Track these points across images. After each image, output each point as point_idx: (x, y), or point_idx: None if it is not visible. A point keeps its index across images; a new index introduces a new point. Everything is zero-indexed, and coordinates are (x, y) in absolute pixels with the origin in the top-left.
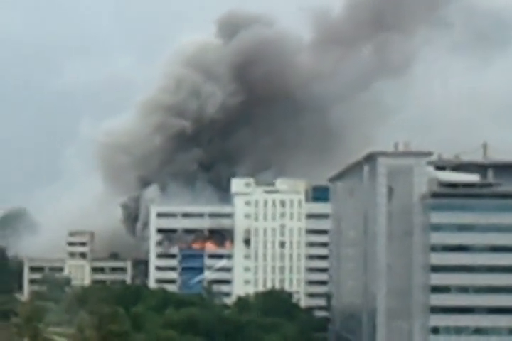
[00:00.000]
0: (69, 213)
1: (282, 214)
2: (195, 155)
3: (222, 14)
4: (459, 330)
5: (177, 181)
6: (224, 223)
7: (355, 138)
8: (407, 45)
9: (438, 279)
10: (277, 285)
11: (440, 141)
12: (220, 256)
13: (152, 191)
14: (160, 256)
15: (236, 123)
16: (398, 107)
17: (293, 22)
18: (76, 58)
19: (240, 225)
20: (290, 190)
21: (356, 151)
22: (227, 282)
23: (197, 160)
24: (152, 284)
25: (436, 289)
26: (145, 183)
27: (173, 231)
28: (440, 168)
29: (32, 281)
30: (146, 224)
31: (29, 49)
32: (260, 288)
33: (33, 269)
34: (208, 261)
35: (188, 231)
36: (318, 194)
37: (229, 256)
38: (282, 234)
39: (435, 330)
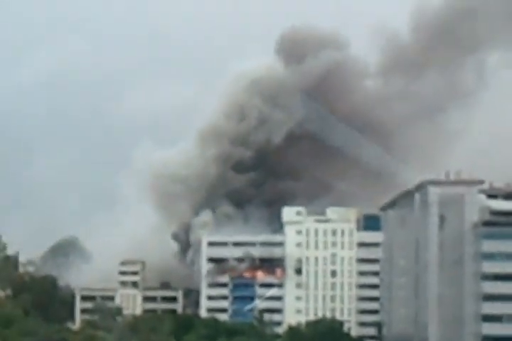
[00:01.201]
0: (121, 242)
1: (333, 243)
2: (249, 178)
3: (284, 35)
4: None
5: (228, 203)
6: (275, 252)
7: (417, 165)
8: (479, 67)
9: (490, 308)
10: (328, 315)
11: (494, 168)
12: (271, 285)
13: (203, 216)
14: (211, 285)
15: (298, 152)
16: (463, 133)
17: (358, 42)
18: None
19: (290, 254)
20: (341, 219)
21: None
22: (278, 311)
23: (250, 182)
24: (203, 313)
25: (488, 318)
26: (197, 212)
27: (224, 260)
28: (492, 196)
29: (83, 310)
30: (197, 253)
31: (95, 76)
32: (311, 317)
33: (84, 298)
34: (259, 290)
35: (239, 260)
36: (370, 223)
37: (280, 285)
38: (333, 262)
39: None
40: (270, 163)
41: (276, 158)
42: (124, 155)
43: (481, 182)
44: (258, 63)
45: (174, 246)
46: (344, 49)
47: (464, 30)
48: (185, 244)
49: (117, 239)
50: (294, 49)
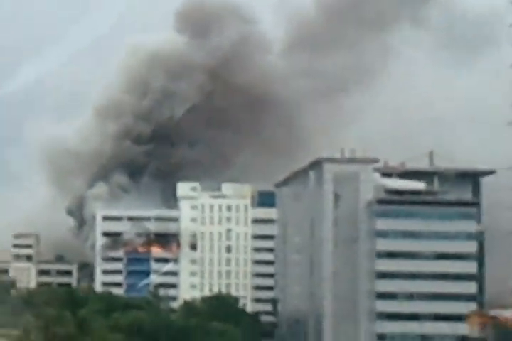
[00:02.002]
0: (15, 217)
1: (228, 219)
2: (146, 150)
3: (182, 7)
4: (404, 336)
5: (123, 175)
6: (170, 227)
7: (316, 143)
8: (383, 46)
9: (383, 286)
10: (223, 290)
11: (390, 148)
12: (166, 260)
13: (97, 189)
14: (106, 259)
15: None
16: (363, 113)
17: (262, 17)
18: (26, 60)
19: (186, 229)
20: (236, 195)
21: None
22: (173, 286)
23: (146, 154)
24: (98, 287)
25: (382, 295)
26: (91, 185)
27: (119, 234)
28: (386, 174)
29: None
30: (91, 227)
31: None
32: (206, 293)
33: None
34: (154, 265)
35: (134, 235)
36: (265, 199)
37: (175, 260)
38: (228, 238)
39: (381, 336)
40: (169, 136)
41: (176, 131)
42: (18, 131)
43: (376, 160)
44: (157, 37)
45: (69, 220)
46: (248, 24)
47: (370, 7)
48: (80, 218)
49: (11, 214)
50: (195, 21)
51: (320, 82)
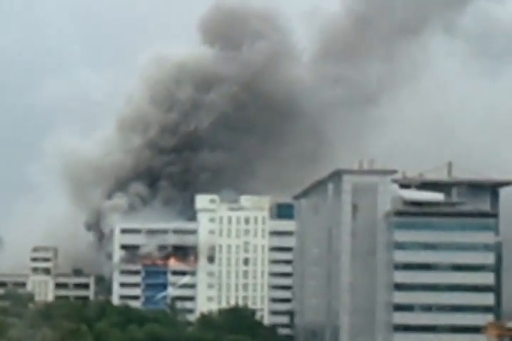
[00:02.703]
0: (34, 230)
1: (246, 231)
2: (165, 161)
3: (207, 15)
4: None
5: (142, 185)
6: (188, 239)
7: (338, 154)
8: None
9: (401, 297)
10: (241, 303)
11: (408, 158)
12: (183, 273)
13: (115, 200)
14: (123, 272)
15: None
16: (387, 122)
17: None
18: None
19: (203, 242)
20: (254, 207)
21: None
22: (190, 299)
23: (165, 164)
24: (115, 300)
25: (400, 307)
26: (110, 197)
27: (137, 247)
28: (405, 186)
29: None
30: (109, 240)
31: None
32: (224, 305)
33: None
34: (171, 278)
35: (152, 248)
36: (283, 211)
37: (192, 273)
38: (246, 251)
39: None
40: (192, 146)
41: (199, 141)
42: (39, 144)
43: (394, 171)
44: (182, 47)
45: (87, 233)
46: (279, 34)
47: (401, 15)
48: (99, 231)
49: (30, 227)
50: (222, 31)
51: (349, 91)
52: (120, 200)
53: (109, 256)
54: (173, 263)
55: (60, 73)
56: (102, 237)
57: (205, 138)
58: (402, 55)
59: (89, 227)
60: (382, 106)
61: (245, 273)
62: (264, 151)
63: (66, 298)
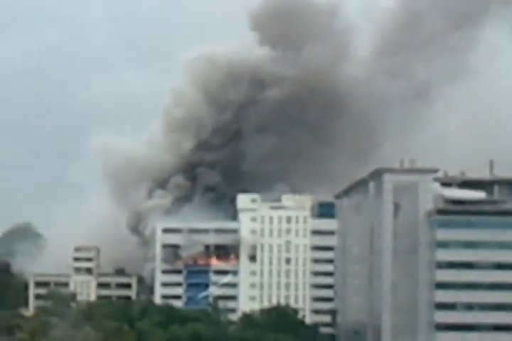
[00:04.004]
0: (77, 230)
1: (288, 231)
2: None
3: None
4: None
5: (184, 183)
6: (229, 239)
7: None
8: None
9: (443, 296)
10: (283, 302)
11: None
12: (225, 272)
13: (156, 198)
14: (165, 271)
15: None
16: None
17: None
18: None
19: (245, 241)
20: (296, 206)
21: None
22: (232, 298)
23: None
24: (157, 300)
25: (442, 306)
26: (151, 196)
27: (179, 246)
28: (446, 184)
29: (37, 297)
30: (151, 240)
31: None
32: (266, 305)
33: (38, 284)
34: (213, 277)
35: (194, 247)
36: (324, 210)
37: (234, 272)
38: (288, 250)
39: None
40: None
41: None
42: (83, 144)
43: (436, 170)
44: (232, 46)
45: (129, 233)
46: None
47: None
48: (140, 231)
49: (73, 227)
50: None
51: (403, 88)
52: (162, 200)
53: (151, 256)
54: (215, 263)
55: (104, 73)
56: (144, 237)
57: (252, 137)
58: (457, 50)
59: (131, 227)
60: (433, 103)
61: (287, 273)
62: (311, 149)
63: (108, 297)
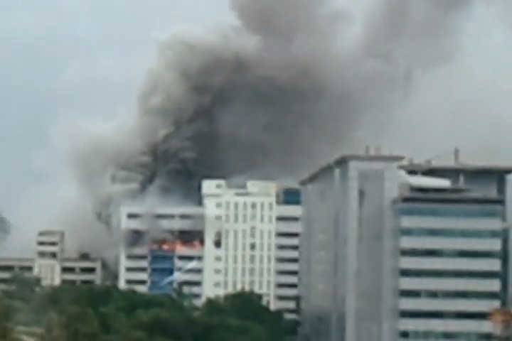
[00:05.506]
0: (41, 213)
1: (253, 217)
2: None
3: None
4: (427, 335)
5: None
6: (194, 224)
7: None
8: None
9: (407, 283)
10: (247, 288)
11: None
12: (190, 258)
13: (122, 185)
14: (130, 256)
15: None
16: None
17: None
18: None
19: (210, 226)
20: (261, 193)
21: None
22: (197, 284)
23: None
24: (122, 285)
25: (406, 293)
26: (117, 182)
27: (144, 232)
28: (412, 172)
29: (1, 280)
30: (116, 225)
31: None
32: (230, 290)
33: (2, 268)
34: (178, 263)
35: (158, 232)
36: (290, 197)
37: (199, 258)
38: (253, 236)
39: (404, 334)
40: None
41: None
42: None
43: (401, 158)
44: (208, 30)
45: (94, 218)
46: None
47: None
48: (105, 216)
49: (38, 211)
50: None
51: (389, 70)
52: (128, 184)
53: (116, 241)
54: (180, 248)
55: (82, 59)
56: (109, 222)
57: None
58: (444, 34)
59: (96, 212)
60: (414, 88)
61: (252, 259)
62: (290, 134)
63: (72, 282)
